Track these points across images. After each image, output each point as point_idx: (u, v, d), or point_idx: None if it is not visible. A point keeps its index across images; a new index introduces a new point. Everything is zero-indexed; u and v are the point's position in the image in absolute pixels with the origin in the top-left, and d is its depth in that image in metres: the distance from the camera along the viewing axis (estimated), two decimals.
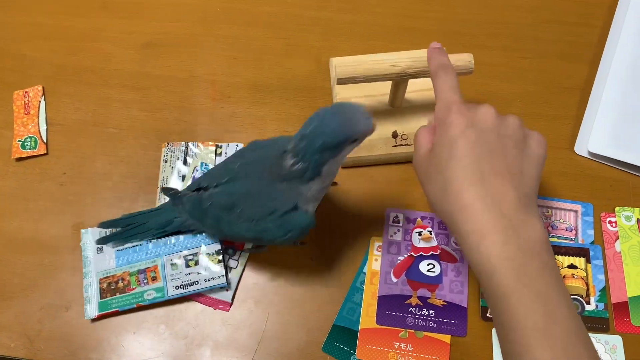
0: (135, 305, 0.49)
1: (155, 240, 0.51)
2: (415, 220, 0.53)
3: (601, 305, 0.50)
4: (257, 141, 0.48)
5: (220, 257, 0.50)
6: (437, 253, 0.51)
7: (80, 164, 0.56)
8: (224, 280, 0.49)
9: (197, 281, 0.49)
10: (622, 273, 0.51)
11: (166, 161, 0.55)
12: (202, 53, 0.61)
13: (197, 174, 0.54)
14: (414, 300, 0.50)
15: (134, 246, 0.51)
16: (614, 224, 0.53)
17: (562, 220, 0.53)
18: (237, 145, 0.56)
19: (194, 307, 0.50)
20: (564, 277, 0.51)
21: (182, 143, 0.55)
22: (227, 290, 0.50)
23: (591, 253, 0.52)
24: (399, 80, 0.51)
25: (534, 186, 0.41)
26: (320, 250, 0.52)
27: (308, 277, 0.51)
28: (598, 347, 0.48)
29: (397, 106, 0.56)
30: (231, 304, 0.50)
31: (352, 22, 0.63)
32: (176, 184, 0.54)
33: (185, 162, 0.55)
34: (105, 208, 0.54)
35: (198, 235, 0.51)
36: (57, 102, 0.59)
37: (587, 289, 0.50)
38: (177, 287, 0.49)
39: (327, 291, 0.50)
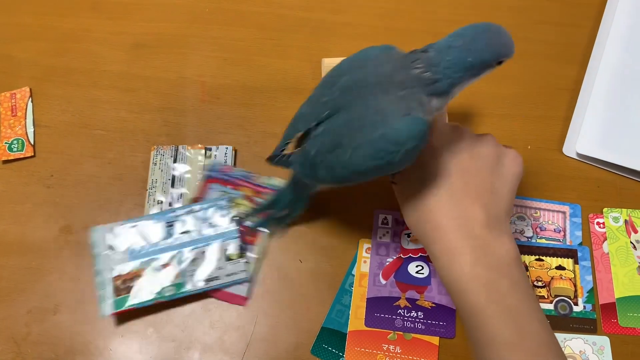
0: (154, 302, 0.48)
1: (173, 237, 0.50)
2: (404, 222, 0.53)
3: (589, 307, 0.50)
4: (353, 59, 0.43)
5: (241, 252, 0.50)
6: (426, 255, 0.51)
7: (68, 166, 0.55)
8: (244, 274, 0.49)
9: (217, 276, 0.49)
10: (609, 274, 0.51)
11: (155, 164, 0.55)
12: (192, 54, 0.61)
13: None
14: (402, 302, 0.50)
15: (147, 244, 0.50)
16: (601, 225, 0.53)
17: (550, 222, 0.53)
18: (227, 149, 0.55)
19: (182, 310, 0.50)
20: (552, 278, 0.51)
21: (172, 146, 0.55)
22: (248, 283, 0.50)
23: (579, 254, 0.52)
24: None
25: (505, 204, 0.41)
26: (309, 251, 0.52)
27: (297, 279, 0.51)
28: (586, 348, 0.48)
29: None
30: (247, 298, 0.50)
31: (342, 23, 0.62)
32: (166, 187, 0.54)
33: (175, 163, 0.55)
34: (93, 210, 0.53)
35: (218, 230, 0.51)
36: (45, 104, 0.58)
37: (575, 290, 0.50)
38: (203, 281, 0.49)
39: (315, 293, 0.50)
